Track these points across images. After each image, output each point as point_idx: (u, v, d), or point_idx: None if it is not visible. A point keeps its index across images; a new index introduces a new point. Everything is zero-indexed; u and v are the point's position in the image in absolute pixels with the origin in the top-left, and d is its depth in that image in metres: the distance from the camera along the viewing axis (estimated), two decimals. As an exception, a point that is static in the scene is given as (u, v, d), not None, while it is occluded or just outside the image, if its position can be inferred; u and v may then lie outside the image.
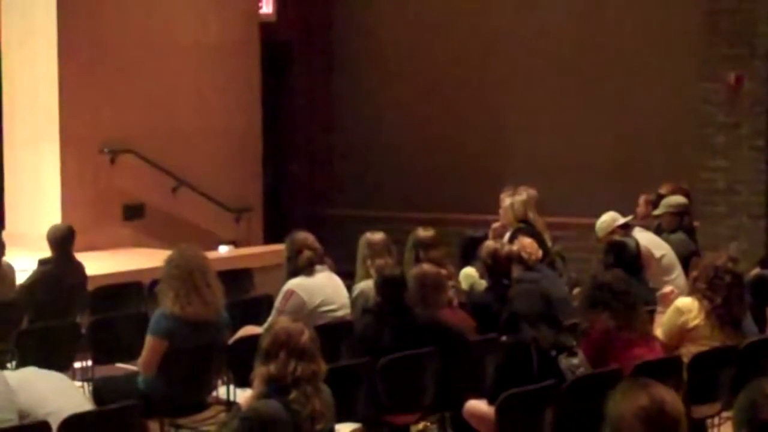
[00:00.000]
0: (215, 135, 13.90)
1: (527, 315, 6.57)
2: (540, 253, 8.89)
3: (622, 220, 10.05)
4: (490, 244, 8.60)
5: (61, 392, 5.82)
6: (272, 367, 5.20)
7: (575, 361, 6.48)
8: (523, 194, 10.42)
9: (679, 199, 10.75)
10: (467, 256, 9.66)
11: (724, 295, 7.26)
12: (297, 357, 5.20)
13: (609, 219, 10.07)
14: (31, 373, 6.03)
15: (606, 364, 6.61)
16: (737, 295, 7.40)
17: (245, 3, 14.58)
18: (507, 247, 8.50)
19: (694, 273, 7.47)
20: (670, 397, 3.67)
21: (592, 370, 6.56)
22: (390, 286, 7.35)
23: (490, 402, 6.28)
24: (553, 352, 6.42)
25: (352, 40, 15.85)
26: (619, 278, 7.07)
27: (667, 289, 8.04)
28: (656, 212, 10.72)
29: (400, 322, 7.24)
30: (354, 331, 7.54)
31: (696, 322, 7.19)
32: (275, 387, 5.19)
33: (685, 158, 13.36)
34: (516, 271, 8.54)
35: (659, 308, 7.57)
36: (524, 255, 8.67)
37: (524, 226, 10.05)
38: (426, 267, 7.82)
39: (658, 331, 7.23)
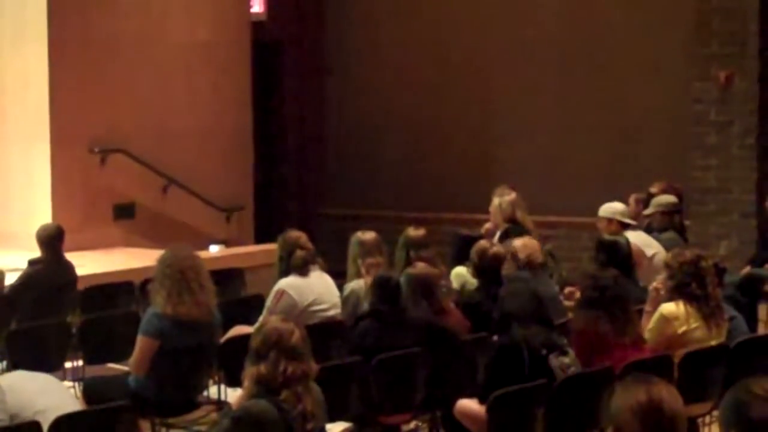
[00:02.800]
0: (206, 134, 13.88)
1: (518, 314, 6.57)
2: (541, 257, 8.81)
3: (627, 220, 10.04)
4: (480, 243, 8.60)
5: (49, 392, 5.81)
6: (263, 367, 5.20)
7: (566, 360, 6.48)
8: (512, 194, 10.43)
9: (669, 198, 10.76)
10: (460, 256, 9.66)
11: (710, 283, 7.24)
12: (287, 357, 5.20)
13: (615, 208, 10.05)
14: (19, 375, 6.04)
15: (593, 365, 6.61)
16: (716, 280, 7.43)
17: (236, 2, 14.56)
18: (495, 247, 8.48)
19: (673, 281, 7.25)
20: (669, 395, 3.68)
21: (582, 368, 6.56)
22: (386, 287, 7.34)
23: (481, 401, 6.28)
24: (544, 351, 6.42)
25: (344, 39, 15.84)
26: (618, 282, 7.06)
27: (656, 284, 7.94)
28: (647, 211, 10.73)
29: (397, 324, 7.23)
30: (350, 336, 7.50)
31: (684, 328, 7.12)
32: (266, 387, 5.18)
33: (676, 157, 13.38)
34: (509, 270, 8.53)
35: (647, 307, 7.53)
36: (521, 255, 8.63)
37: (512, 227, 10.05)
38: (420, 267, 7.81)
39: (646, 336, 7.20)
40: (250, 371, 5.25)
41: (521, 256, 8.60)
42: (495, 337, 6.93)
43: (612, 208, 10.11)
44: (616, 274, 7.28)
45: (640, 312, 7.49)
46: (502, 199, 10.39)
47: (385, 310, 7.28)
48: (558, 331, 6.81)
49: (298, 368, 5.21)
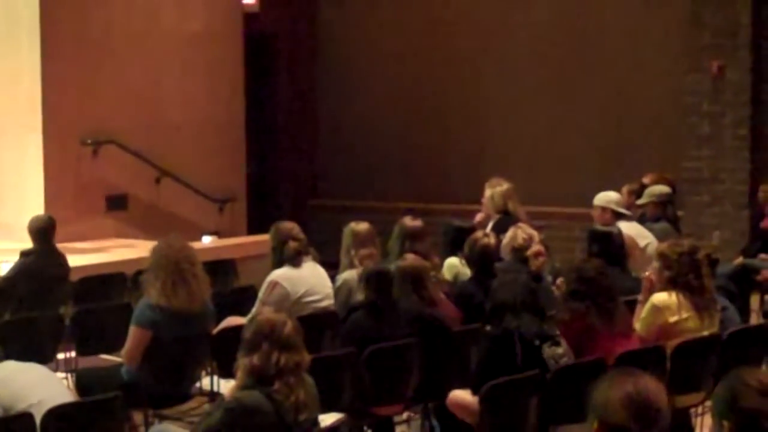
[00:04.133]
0: (198, 126, 13.87)
1: (511, 305, 6.57)
2: (539, 248, 8.78)
3: (621, 209, 10.00)
4: (474, 234, 8.58)
5: (43, 384, 5.81)
6: (255, 359, 5.20)
7: (559, 350, 6.49)
8: (504, 185, 10.41)
9: (663, 188, 10.77)
10: (453, 247, 9.64)
11: (705, 274, 7.24)
12: (280, 348, 5.20)
13: (609, 197, 10.03)
14: (12, 367, 6.02)
15: (582, 356, 6.63)
16: (709, 270, 7.44)
17: (228, -7, 14.56)
18: (487, 238, 8.46)
19: (670, 272, 7.22)
20: (654, 387, 3.74)
21: (575, 359, 6.56)
22: (376, 280, 7.35)
23: (474, 391, 6.29)
24: (537, 342, 6.42)
25: (336, 31, 15.84)
26: (603, 272, 7.05)
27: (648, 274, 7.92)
28: (640, 201, 10.72)
29: (388, 316, 7.24)
30: (342, 327, 7.50)
31: (676, 318, 7.11)
32: (258, 378, 5.18)
33: (669, 147, 13.40)
34: (508, 259, 8.57)
35: (640, 297, 7.52)
36: (515, 245, 8.63)
37: (503, 218, 10.04)
38: (410, 259, 7.81)
39: (637, 326, 7.20)
40: (242, 362, 5.25)
41: (517, 245, 8.59)
42: (487, 327, 6.93)
43: (606, 197, 10.10)
44: (601, 264, 7.27)
45: (633, 303, 7.49)
46: (494, 190, 10.38)
47: (376, 301, 7.29)
48: (551, 322, 6.81)
49: (291, 359, 5.21)
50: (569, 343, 6.64)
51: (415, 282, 7.52)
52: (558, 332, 6.61)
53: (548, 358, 6.41)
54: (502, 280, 7.23)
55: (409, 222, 8.93)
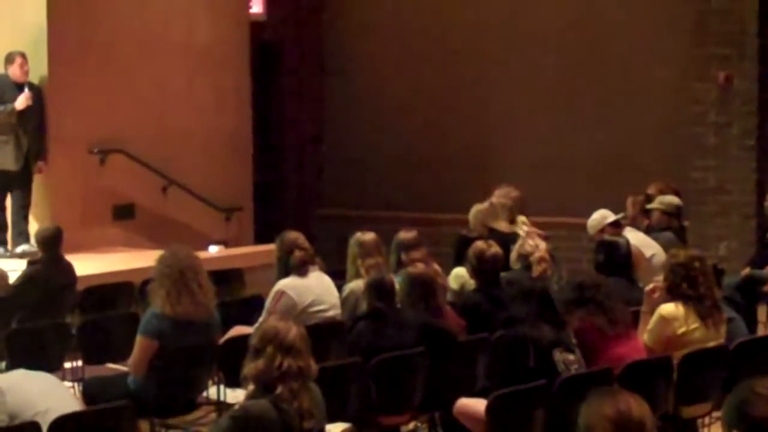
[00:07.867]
0: (205, 135, 13.87)
1: (523, 318, 6.61)
2: (542, 254, 8.80)
3: (612, 218, 10.07)
4: (477, 244, 8.56)
5: (50, 393, 5.82)
6: (260, 362, 5.22)
7: (571, 356, 6.52)
8: (485, 203, 10.41)
9: (674, 199, 10.75)
10: (462, 257, 9.64)
11: (702, 283, 7.25)
12: (284, 352, 5.21)
13: (599, 217, 10.12)
14: (20, 375, 6.03)
15: (590, 358, 6.65)
16: (713, 280, 7.44)
17: (235, 3, 14.55)
18: (493, 248, 8.43)
19: (666, 283, 7.30)
20: (636, 404, 3.81)
21: (585, 369, 6.58)
22: (380, 289, 7.36)
23: (485, 395, 6.30)
24: (547, 345, 6.46)
25: (343, 40, 15.84)
26: (590, 275, 7.14)
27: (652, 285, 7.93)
28: (650, 206, 10.70)
29: (393, 325, 7.24)
30: (348, 338, 7.51)
31: (684, 329, 7.12)
32: (263, 383, 5.20)
33: (675, 157, 13.38)
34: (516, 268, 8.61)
35: (643, 308, 7.52)
36: (522, 252, 8.70)
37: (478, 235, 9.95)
38: (420, 267, 7.81)
39: (645, 337, 7.21)
40: (248, 369, 5.27)
41: (525, 252, 8.69)
42: (500, 332, 6.96)
43: (599, 218, 10.15)
44: (589, 271, 7.35)
45: (638, 313, 7.49)
46: (475, 208, 10.37)
47: (380, 311, 7.29)
48: (568, 330, 6.79)
49: (294, 364, 5.21)
50: (583, 352, 6.67)
51: (425, 290, 7.53)
52: (574, 340, 6.64)
53: (558, 361, 6.44)
54: (514, 291, 7.26)
55: (403, 234, 8.99)
